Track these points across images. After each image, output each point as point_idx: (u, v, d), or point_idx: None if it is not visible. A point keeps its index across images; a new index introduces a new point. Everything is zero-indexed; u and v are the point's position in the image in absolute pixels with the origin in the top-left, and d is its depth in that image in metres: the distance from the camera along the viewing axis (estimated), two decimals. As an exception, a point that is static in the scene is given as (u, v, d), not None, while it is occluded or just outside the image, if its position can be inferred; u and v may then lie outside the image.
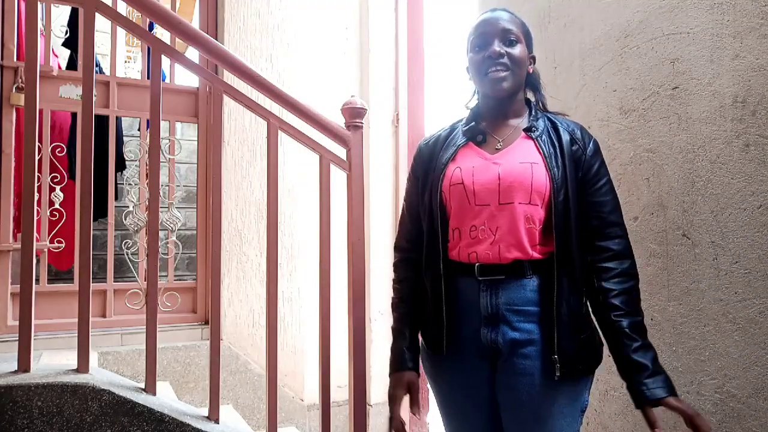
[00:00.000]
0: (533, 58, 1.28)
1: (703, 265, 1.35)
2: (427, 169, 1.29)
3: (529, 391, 1.14)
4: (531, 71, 1.28)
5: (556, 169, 1.16)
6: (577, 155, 1.20)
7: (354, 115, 1.83)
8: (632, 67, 1.55)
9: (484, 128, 1.27)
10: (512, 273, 1.16)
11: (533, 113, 1.26)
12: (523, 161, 1.17)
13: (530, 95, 1.32)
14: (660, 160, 1.46)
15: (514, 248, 1.16)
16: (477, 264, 1.18)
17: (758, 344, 1.24)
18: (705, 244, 1.35)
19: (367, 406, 2.85)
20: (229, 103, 2.44)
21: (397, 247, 1.39)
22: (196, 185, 2.79)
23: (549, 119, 1.25)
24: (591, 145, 1.22)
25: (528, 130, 1.23)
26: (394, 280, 1.38)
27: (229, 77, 2.14)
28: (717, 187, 1.32)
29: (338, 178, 1.83)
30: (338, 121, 1.86)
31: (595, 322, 1.23)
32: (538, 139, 1.20)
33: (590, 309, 1.23)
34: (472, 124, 1.28)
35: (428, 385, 1.38)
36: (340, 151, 1.84)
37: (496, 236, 1.17)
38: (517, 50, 1.22)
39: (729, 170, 1.30)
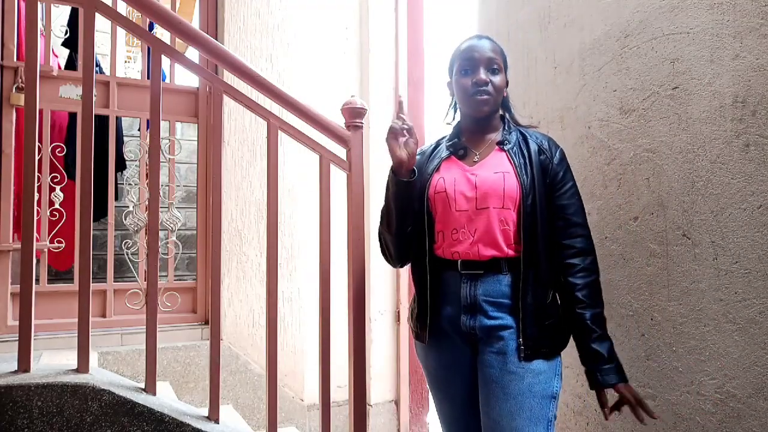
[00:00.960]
0: (507, 82, 1.45)
1: (703, 265, 1.35)
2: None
3: (503, 368, 1.30)
4: (505, 94, 1.45)
5: (525, 177, 1.33)
6: (545, 163, 1.36)
7: (354, 115, 1.82)
8: (632, 67, 1.55)
9: (464, 143, 1.45)
10: (490, 269, 1.33)
11: (506, 128, 1.43)
12: (497, 171, 1.35)
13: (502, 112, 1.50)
14: (660, 160, 1.46)
15: (490, 247, 1.32)
16: (459, 260, 1.34)
17: (758, 344, 1.24)
18: (705, 244, 1.35)
19: (367, 406, 2.85)
20: (229, 103, 2.44)
21: None
22: (196, 185, 2.79)
23: (521, 132, 1.42)
24: (557, 154, 1.39)
25: (501, 143, 1.40)
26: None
27: (229, 77, 2.14)
28: (717, 187, 1.32)
29: (338, 178, 1.83)
30: (338, 121, 1.86)
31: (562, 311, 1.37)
32: (510, 151, 1.38)
33: (558, 299, 1.38)
34: (455, 140, 1.46)
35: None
36: (340, 151, 1.84)
37: (474, 237, 1.33)
38: (498, 78, 1.39)
39: (729, 170, 1.30)
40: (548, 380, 1.31)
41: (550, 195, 1.35)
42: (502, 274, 1.33)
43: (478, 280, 1.33)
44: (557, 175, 1.36)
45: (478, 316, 1.33)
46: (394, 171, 1.38)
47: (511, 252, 1.33)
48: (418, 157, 1.49)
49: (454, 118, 1.53)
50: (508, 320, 1.32)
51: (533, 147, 1.38)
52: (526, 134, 1.42)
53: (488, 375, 1.32)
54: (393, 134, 1.35)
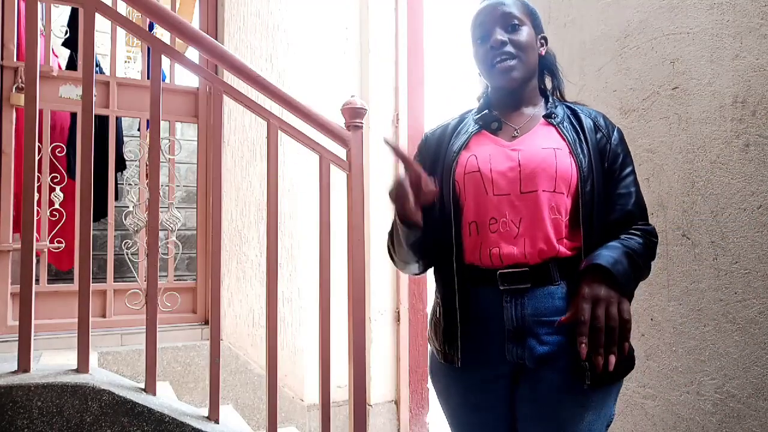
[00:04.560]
0: (544, 39, 1.19)
1: (703, 265, 1.35)
2: (435, 158, 1.18)
3: (556, 405, 1.04)
4: (543, 53, 1.18)
5: (582, 156, 1.07)
6: (602, 144, 1.10)
7: (354, 115, 1.82)
8: (632, 67, 1.55)
9: (497, 115, 1.17)
10: (538, 280, 1.05)
11: (551, 101, 1.18)
12: (545, 147, 1.08)
13: (547, 81, 1.24)
14: (660, 160, 1.46)
15: (540, 241, 1.05)
16: (499, 271, 1.06)
17: (758, 344, 1.24)
18: (705, 244, 1.35)
19: (367, 406, 2.85)
20: (229, 103, 2.44)
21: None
22: (196, 185, 2.79)
23: (568, 107, 1.17)
24: (615, 133, 1.13)
25: (548, 116, 1.14)
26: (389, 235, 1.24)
27: (229, 77, 2.14)
28: (717, 187, 1.32)
29: (338, 178, 1.83)
30: (338, 121, 1.86)
31: None
32: (560, 125, 1.11)
33: None
34: (485, 112, 1.18)
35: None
36: (340, 151, 1.84)
37: (519, 229, 1.06)
38: (522, 34, 1.12)
39: (729, 170, 1.30)
40: (607, 409, 1.07)
41: (607, 182, 1.09)
42: (553, 284, 1.05)
43: (524, 297, 1.05)
44: (617, 158, 1.10)
45: (528, 342, 1.04)
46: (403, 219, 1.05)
47: (562, 248, 1.05)
48: (437, 131, 1.24)
49: (487, 93, 1.24)
50: (565, 344, 1.04)
51: (587, 123, 1.12)
52: (576, 109, 1.16)
53: (538, 412, 1.06)
54: (405, 194, 1.00)
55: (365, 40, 3.20)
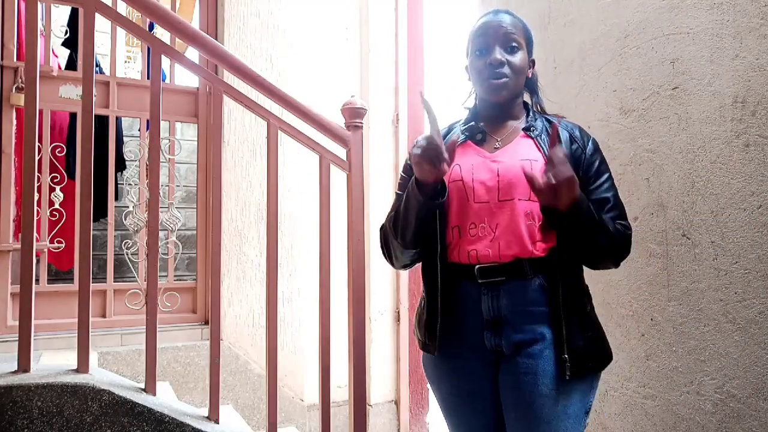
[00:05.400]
0: (533, 62, 1.29)
1: (703, 265, 1.35)
2: None
3: (534, 391, 1.13)
4: (530, 75, 1.28)
5: None
6: (577, 154, 1.21)
7: (354, 115, 1.82)
8: (632, 67, 1.55)
9: (483, 127, 1.27)
10: (513, 274, 1.15)
11: (531, 115, 1.28)
12: (523, 158, 1.18)
13: (527, 97, 1.33)
14: (660, 160, 1.46)
15: (513, 244, 1.15)
16: (477, 266, 1.17)
17: (758, 344, 1.24)
18: (705, 244, 1.35)
19: (367, 406, 2.85)
20: (229, 103, 2.44)
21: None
22: (196, 185, 2.79)
23: (547, 120, 1.27)
24: (590, 143, 1.23)
25: (527, 129, 1.24)
26: (386, 218, 1.32)
27: (229, 77, 2.14)
28: (717, 187, 1.32)
29: (338, 178, 1.83)
30: (338, 121, 1.86)
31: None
32: (538, 138, 1.22)
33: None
34: (472, 123, 1.28)
35: (428, 385, 1.35)
36: (340, 151, 1.84)
37: (495, 233, 1.17)
38: (518, 58, 1.22)
39: (729, 170, 1.30)
40: (585, 397, 1.16)
41: (584, 190, 1.16)
42: (527, 278, 1.15)
43: (500, 290, 1.16)
44: (591, 166, 1.20)
45: (504, 331, 1.15)
46: (422, 186, 1.14)
47: (536, 251, 1.16)
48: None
49: (475, 104, 1.33)
50: (540, 331, 1.15)
51: (563, 135, 1.22)
52: (554, 122, 1.24)
53: (519, 398, 1.15)
54: (430, 158, 1.08)
55: (365, 40, 3.20)
